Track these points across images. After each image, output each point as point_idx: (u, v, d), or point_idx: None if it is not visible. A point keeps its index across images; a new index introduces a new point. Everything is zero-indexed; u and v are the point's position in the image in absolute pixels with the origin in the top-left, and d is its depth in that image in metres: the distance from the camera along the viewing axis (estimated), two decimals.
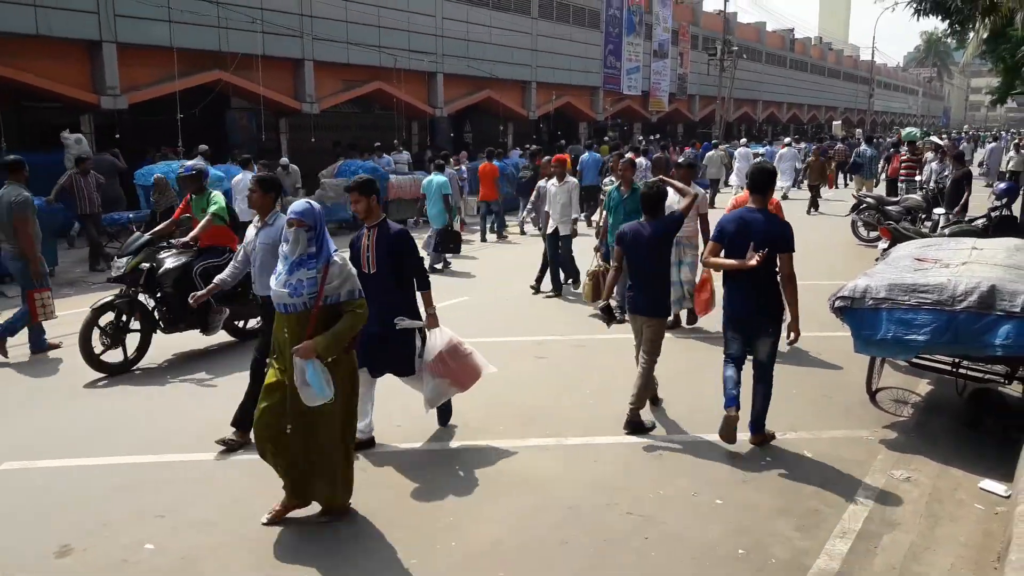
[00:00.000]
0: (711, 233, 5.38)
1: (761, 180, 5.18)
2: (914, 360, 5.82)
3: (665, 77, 38.22)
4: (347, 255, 4.37)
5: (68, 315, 7.89)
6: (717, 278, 7.23)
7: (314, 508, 4.29)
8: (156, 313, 7.15)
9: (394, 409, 5.64)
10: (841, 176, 25.49)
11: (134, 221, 12.94)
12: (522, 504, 4.46)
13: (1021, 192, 12.80)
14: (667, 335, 5.80)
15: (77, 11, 15.49)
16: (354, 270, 4.15)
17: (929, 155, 16.85)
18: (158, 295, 7.13)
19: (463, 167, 16.69)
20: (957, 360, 5.68)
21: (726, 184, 22.46)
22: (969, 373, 5.74)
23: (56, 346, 7.55)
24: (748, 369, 5.24)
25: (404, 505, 4.45)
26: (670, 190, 6.00)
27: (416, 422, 5.48)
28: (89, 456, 5.11)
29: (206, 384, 6.64)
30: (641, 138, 31.61)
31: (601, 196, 9.95)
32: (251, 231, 5.32)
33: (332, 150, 19.81)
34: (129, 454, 5.12)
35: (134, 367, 6.94)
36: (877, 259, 8.02)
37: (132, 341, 6.99)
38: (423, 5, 23.83)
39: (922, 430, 5.58)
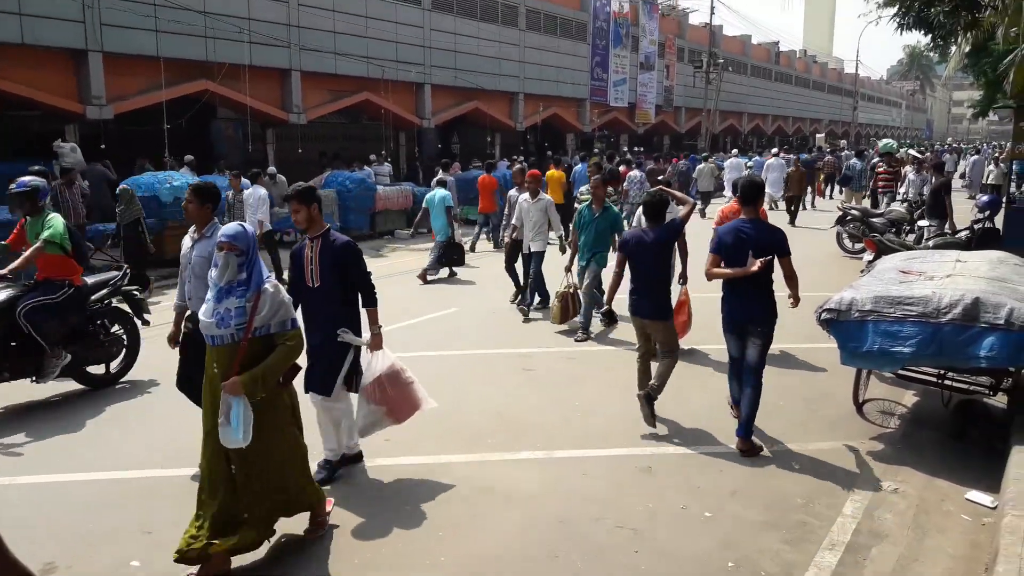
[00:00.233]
0: (710, 245, 5.50)
1: (751, 192, 5.47)
2: (900, 372, 5.88)
3: (651, 89, 38.44)
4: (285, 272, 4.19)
5: None
6: (694, 300, 7.33)
7: (303, 522, 4.24)
8: None
9: None
10: (829, 188, 25.85)
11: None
12: (512, 518, 4.45)
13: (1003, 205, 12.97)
14: None
15: (63, 20, 15.38)
16: (288, 298, 3.91)
17: (907, 168, 17.09)
18: None
19: (451, 178, 16.70)
20: (942, 372, 5.73)
21: (719, 194, 22.75)
22: (954, 385, 5.79)
23: None
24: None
25: (393, 519, 4.42)
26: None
27: (405, 436, 5.45)
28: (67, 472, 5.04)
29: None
30: (630, 149, 31.77)
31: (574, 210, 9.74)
32: (187, 242, 4.98)
33: (319, 161, 19.79)
34: (110, 470, 5.06)
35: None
36: (862, 271, 8.11)
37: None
38: (411, 16, 23.87)
39: (908, 441, 5.62)
